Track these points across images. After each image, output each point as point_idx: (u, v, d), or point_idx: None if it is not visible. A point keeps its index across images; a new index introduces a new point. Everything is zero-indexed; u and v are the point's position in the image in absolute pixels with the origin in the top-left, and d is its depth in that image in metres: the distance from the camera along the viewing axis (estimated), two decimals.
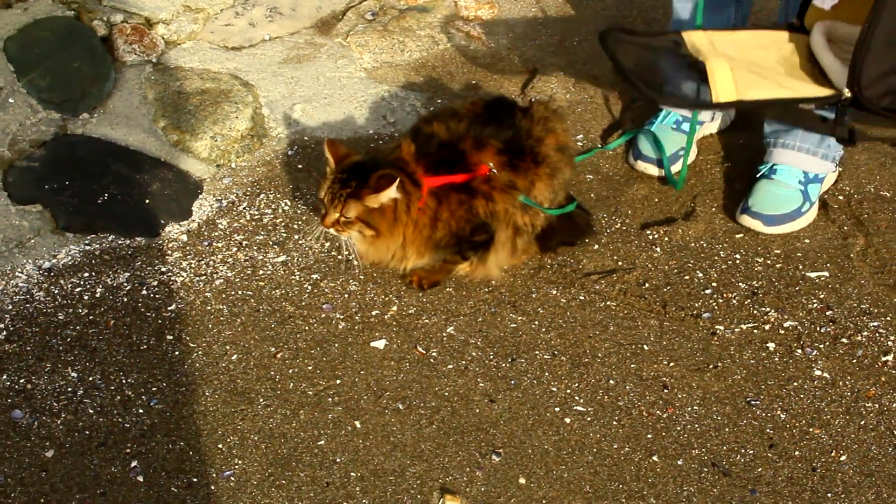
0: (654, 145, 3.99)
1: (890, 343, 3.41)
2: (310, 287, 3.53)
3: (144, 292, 3.49)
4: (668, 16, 4.28)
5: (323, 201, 3.36)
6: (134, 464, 3.02)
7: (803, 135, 3.82)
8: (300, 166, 3.97)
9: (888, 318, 3.48)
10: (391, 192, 3.28)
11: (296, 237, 3.70)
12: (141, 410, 3.15)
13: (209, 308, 3.46)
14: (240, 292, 3.51)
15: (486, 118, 3.50)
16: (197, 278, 3.55)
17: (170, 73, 4.25)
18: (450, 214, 3.40)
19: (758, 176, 3.89)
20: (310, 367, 3.29)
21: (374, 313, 3.46)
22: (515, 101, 3.68)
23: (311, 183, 3.89)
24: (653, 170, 4.01)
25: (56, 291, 3.47)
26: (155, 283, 3.53)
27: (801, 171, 3.84)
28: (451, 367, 3.30)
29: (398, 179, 3.26)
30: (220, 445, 3.07)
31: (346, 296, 3.50)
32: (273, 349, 3.34)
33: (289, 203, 3.82)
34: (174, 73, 4.26)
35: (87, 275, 3.53)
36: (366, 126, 4.16)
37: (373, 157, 3.44)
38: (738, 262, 3.66)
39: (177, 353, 3.32)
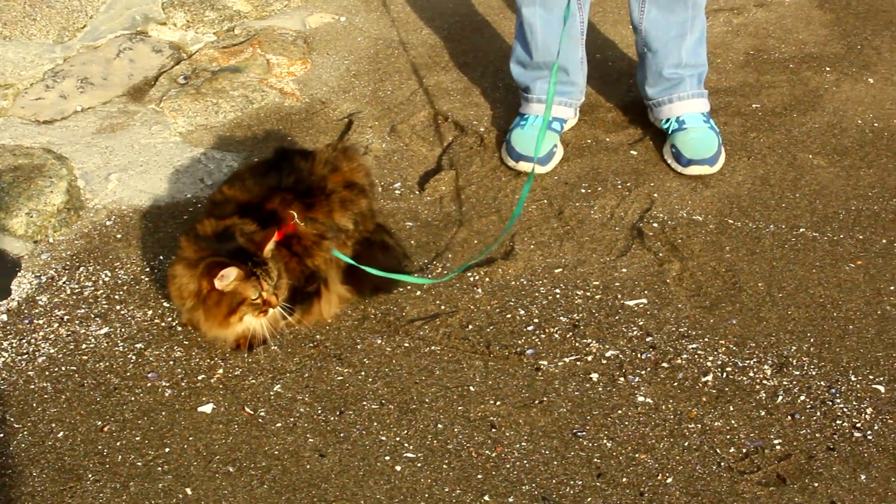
0: (530, 145, 4.20)
1: (709, 364, 3.49)
2: (134, 357, 3.52)
3: None
4: (478, 61, 4.36)
5: (260, 294, 3.33)
6: None
7: (689, 83, 4.29)
8: (119, 236, 3.95)
9: (706, 340, 3.56)
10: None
11: (117, 308, 3.68)
12: None
13: (32, 387, 3.42)
14: (63, 368, 3.48)
15: (267, 172, 3.55)
16: (19, 357, 3.51)
17: None
18: (284, 267, 3.42)
19: (670, 132, 4.33)
20: (138, 438, 3.27)
21: (200, 378, 3.45)
22: (297, 150, 3.74)
23: (131, 252, 3.87)
24: (537, 168, 4.21)
25: None
26: None
27: (700, 113, 4.31)
28: (279, 425, 3.31)
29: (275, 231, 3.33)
30: None
31: (172, 362, 3.49)
32: (100, 423, 3.32)
33: (109, 274, 3.80)
34: None
35: None
36: (183, 191, 4.16)
37: (230, 238, 3.39)
38: (558, 296, 3.73)
39: (1, 434, 3.27)
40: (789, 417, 3.32)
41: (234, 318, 3.33)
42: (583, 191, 4.17)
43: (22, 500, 3.10)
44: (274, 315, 3.40)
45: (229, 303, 3.30)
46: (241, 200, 3.47)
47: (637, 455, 3.23)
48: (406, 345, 3.56)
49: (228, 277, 3.25)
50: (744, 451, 3.23)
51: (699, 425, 3.31)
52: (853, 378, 3.44)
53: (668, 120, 4.32)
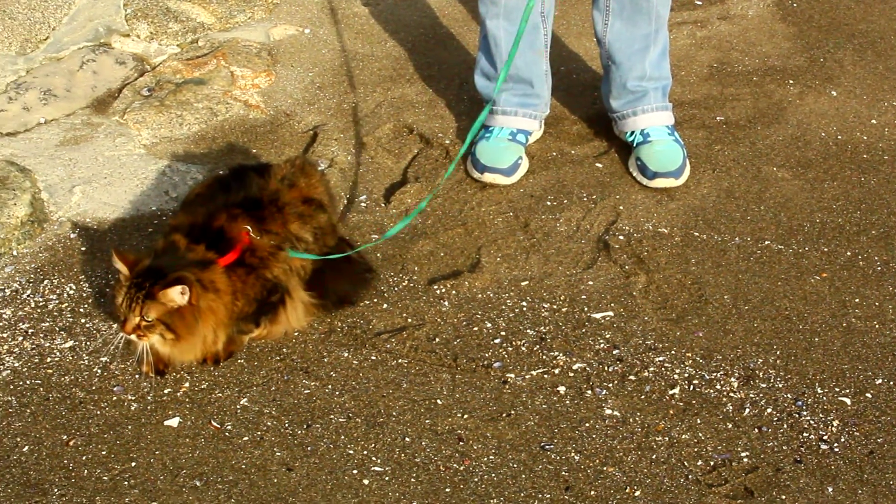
0: (495, 157, 4.24)
1: (675, 376, 3.50)
2: (99, 370, 3.50)
3: None
4: (443, 74, 4.36)
5: (120, 308, 3.33)
6: None
7: (653, 95, 4.32)
8: (83, 248, 3.93)
9: (673, 352, 3.57)
10: (176, 294, 3.27)
11: (83, 321, 3.66)
12: None
13: None
14: (28, 382, 3.46)
15: (219, 191, 3.57)
16: None
17: None
18: (244, 285, 3.41)
19: (635, 145, 4.33)
20: (104, 452, 3.25)
21: (166, 391, 3.43)
22: (253, 166, 3.73)
23: (96, 265, 3.86)
24: (501, 179, 4.25)
25: None
26: None
27: (664, 125, 4.34)
28: (246, 438, 3.29)
29: (192, 281, 3.28)
30: None
31: (138, 376, 3.47)
32: (65, 437, 3.29)
33: (74, 287, 3.78)
34: None
35: None
36: (148, 203, 4.14)
37: (162, 257, 3.38)
38: (524, 309, 3.73)
39: None
40: (756, 430, 3.33)
41: None
42: (548, 203, 4.17)
43: None
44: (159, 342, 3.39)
45: None
46: (187, 223, 3.47)
47: (605, 468, 3.23)
48: (373, 358, 3.55)
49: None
50: (711, 463, 3.24)
51: (667, 438, 3.31)
52: (819, 390, 3.45)
53: (632, 133, 4.33)
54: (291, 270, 3.52)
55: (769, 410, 3.39)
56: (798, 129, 4.58)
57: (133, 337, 3.34)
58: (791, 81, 4.87)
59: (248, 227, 3.44)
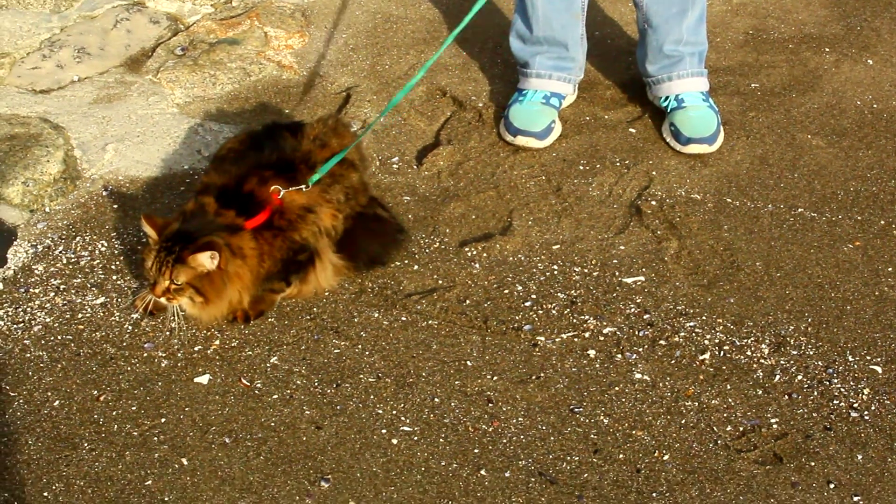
0: (528, 120, 4.23)
1: (706, 342, 3.48)
2: (130, 327, 3.51)
3: None
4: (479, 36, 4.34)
5: (150, 271, 3.34)
6: None
7: (689, 61, 4.27)
8: (115, 206, 3.94)
9: (703, 318, 3.56)
10: (206, 259, 3.28)
11: (114, 278, 3.67)
12: None
13: (28, 355, 3.41)
14: (59, 337, 3.47)
15: (251, 149, 3.58)
16: (15, 326, 3.50)
17: None
18: (271, 247, 3.42)
19: (669, 110, 4.31)
20: (134, 408, 3.26)
21: (196, 349, 3.44)
22: (286, 124, 3.74)
23: (127, 222, 3.86)
24: (534, 142, 4.23)
25: None
26: None
27: (699, 91, 4.30)
28: (276, 397, 3.30)
29: (214, 250, 3.29)
30: (45, 493, 3.03)
31: (168, 333, 3.48)
32: (96, 392, 3.31)
33: (105, 244, 3.79)
34: None
35: None
36: (180, 162, 4.14)
37: (191, 221, 3.39)
38: (555, 272, 3.72)
39: None
40: (786, 397, 3.32)
41: None
42: (581, 167, 4.16)
43: (17, 467, 3.09)
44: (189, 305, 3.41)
45: None
46: (218, 184, 3.47)
47: (634, 432, 3.23)
48: (403, 319, 3.55)
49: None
50: (741, 429, 3.23)
51: (696, 403, 3.31)
52: (851, 358, 3.44)
53: (666, 98, 4.30)
54: (321, 232, 3.52)
55: (800, 377, 3.38)
56: (833, 97, 4.55)
57: (163, 300, 3.35)
58: (827, 49, 4.83)
59: (279, 187, 3.43)
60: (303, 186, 3.46)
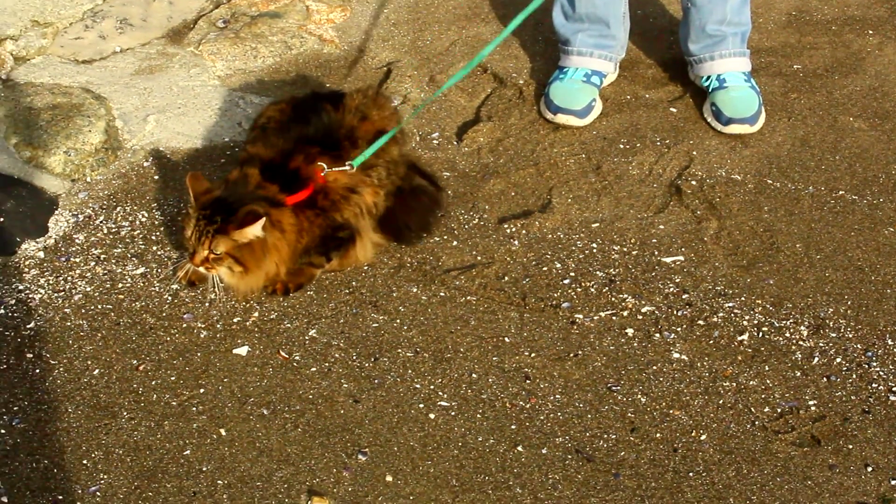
0: (568, 98, 4.23)
1: (745, 323, 3.48)
2: (170, 297, 3.52)
3: (2, 311, 3.45)
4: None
5: (189, 240, 3.35)
6: None
7: (732, 41, 4.27)
8: (156, 177, 3.95)
9: (742, 299, 3.55)
10: (257, 230, 3.29)
11: (154, 248, 3.68)
12: (3, 430, 3.12)
13: (69, 324, 3.43)
14: (99, 306, 3.49)
15: (294, 121, 3.58)
16: (55, 294, 3.52)
17: (20, 90, 4.21)
18: (310, 224, 3.43)
19: (711, 90, 4.30)
20: (173, 378, 3.28)
21: (235, 320, 3.45)
22: (328, 94, 3.75)
23: (168, 193, 3.88)
24: (574, 121, 4.23)
25: None
26: (13, 301, 3.49)
27: (741, 72, 4.28)
28: (314, 369, 3.31)
29: (263, 217, 3.29)
30: (84, 461, 3.05)
31: (207, 304, 3.50)
32: (135, 362, 3.32)
33: (146, 214, 3.80)
34: (24, 90, 4.21)
35: None
36: (221, 134, 4.15)
37: (233, 190, 3.40)
38: (594, 251, 3.72)
39: (37, 370, 3.29)
40: (825, 379, 3.31)
41: None
42: (621, 146, 4.15)
43: (57, 435, 3.11)
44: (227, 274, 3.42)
45: None
46: (265, 157, 3.47)
47: (671, 411, 3.22)
48: (442, 294, 3.55)
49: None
50: (778, 410, 3.23)
51: (734, 384, 3.30)
52: (890, 342, 3.42)
53: (708, 77, 4.29)
54: (362, 212, 3.52)
55: (838, 360, 3.37)
56: (876, 79, 4.53)
57: (202, 269, 3.36)
58: (871, 32, 4.80)
59: (324, 165, 3.44)
60: (347, 167, 3.46)
